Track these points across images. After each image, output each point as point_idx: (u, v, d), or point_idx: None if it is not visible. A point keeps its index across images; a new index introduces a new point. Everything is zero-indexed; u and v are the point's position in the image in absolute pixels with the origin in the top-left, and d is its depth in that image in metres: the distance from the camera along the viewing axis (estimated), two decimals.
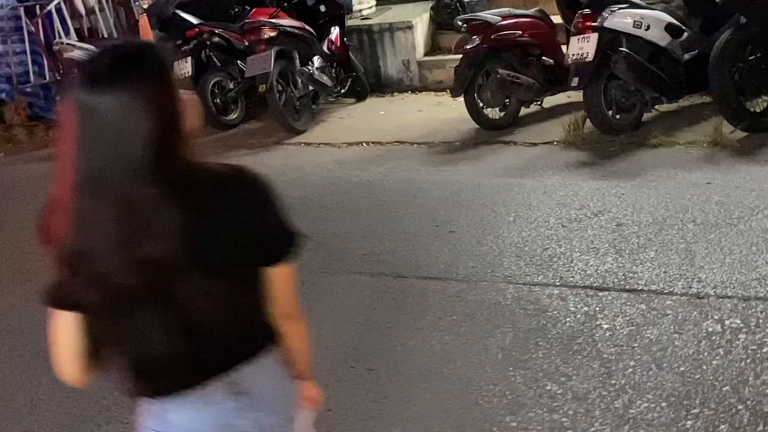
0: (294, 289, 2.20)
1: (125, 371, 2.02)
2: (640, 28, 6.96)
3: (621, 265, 5.12)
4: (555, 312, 4.72)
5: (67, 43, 9.46)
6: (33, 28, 9.74)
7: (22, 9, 9.75)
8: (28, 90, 9.81)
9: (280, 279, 2.13)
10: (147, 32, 9.01)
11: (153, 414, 2.12)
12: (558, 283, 5.02)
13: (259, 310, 2.13)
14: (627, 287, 4.87)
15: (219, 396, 2.05)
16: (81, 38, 9.82)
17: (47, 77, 9.82)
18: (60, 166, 1.87)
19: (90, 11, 10.35)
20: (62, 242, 1.89)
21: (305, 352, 2.30)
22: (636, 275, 4.98)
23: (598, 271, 5.09)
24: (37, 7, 9.83)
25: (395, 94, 9.31)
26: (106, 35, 10.16)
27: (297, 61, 8.48)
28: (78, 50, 9.44)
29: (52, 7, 9.79)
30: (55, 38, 9.65)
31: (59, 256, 1.90)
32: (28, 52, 9.78)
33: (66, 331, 2.00)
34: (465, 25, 7.76)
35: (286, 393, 2.21)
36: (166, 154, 1.88)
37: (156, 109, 1.89)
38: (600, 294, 4.84)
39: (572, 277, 5.07)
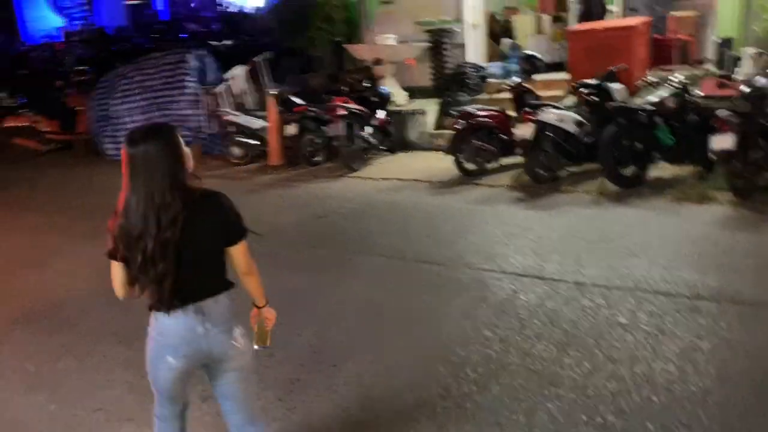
0: (247, 257, 2.46)
1: (149, 295, 2.34)
2: (560, 121, 6.85)
3: (536, 262, 5.03)
4: (494, 288, 4.65)
5: (226, 111, 9.51)
6: (208, 101, 9.79)
7: (201, 90, 9.78)
8: (202, 136, 9.85)
9: (237, 252, 2.43)
10: (272, 107, 9.01)
11: (154, 323, 2.40)
12: (497, 270, 4.94)
13: (221, 270, 2.44)
14: (538, 275, 4.78)
15: (190, 313, 2.35)
16: (235, 109, 9.83)
17: (213, 129, 9.84)
18: (124, 186, 2.27)
19: (242, 93, 10.41)
20: (119, 228, 2.27)
21: (259, 291, 2.57)
22: (545, 268, 4.88)
23: (522, 264, 5.00)
24: (210, 89, 9.86)
25: (414, 151, 9.19)
26: (249, 108, 10.18)
27: (357, 128, 8.44)
28: (231, 116, 9.49)
29: (219, 89, 9.85)
30: (219, 108, 9.70)
31: (117, 235, 2.28)
32: (203, 115, 9.82)
33: (117, 271, 2.35)
34: (457, 114, 7.70)
35: (227, 316, 2.43)
36: (175, 181, 2.24)
37: (168, 155, 2.25)
38: (522, 278, 4.75)
39: (506, 267, 4.99)
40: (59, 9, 24.97)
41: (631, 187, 6.49)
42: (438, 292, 4.63)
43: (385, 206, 6.89)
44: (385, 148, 8.94)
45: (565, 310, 4.14)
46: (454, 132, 7.64)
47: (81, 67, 14.37)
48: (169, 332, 2.36)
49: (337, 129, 8.27)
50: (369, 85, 9.01)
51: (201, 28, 21.92)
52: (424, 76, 10.17)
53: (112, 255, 2.33)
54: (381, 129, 8.84)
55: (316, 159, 8.82)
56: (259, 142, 9.25)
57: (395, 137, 9.12)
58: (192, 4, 27.19)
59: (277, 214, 6.91)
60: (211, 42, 15.51)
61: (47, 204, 8.15)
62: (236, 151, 9.35)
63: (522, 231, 5.71)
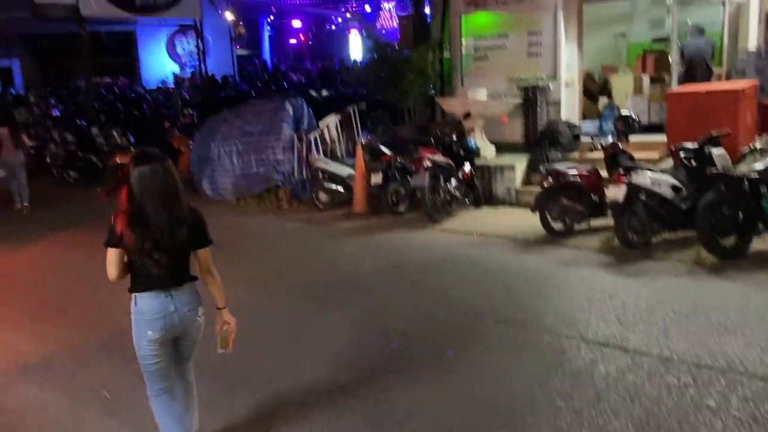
0: (209, 259, 3.23)
1: (133, 279, 3.12)
2: (655, 185, 6.57)
3: (620, 331, 4.76)
4: (571, 355, 4.43)
5: (317, 158, 9.82)
6: (300, 147, 10.13)
7: (295, 136, 10.16)
8: (293, 181, 10.17)
9: (202, 255, 3.22)
10: (360, 156, 9.22)
11: (134, 303, 3.15)
12: (577, 337, 4.71)
13: (188, 266, 3.20)
14: (621, 346, 4.51)
15: (162, 295, 3.11)
16: (326, 156, 10.15)
17: (304, 175, 10.15)
18: (123, 195, 3.01)
19: (333, 141, 10.74)
20: (121, 223, 2.97)
21: (219, 292, 3.30)
22: (628, 339, 4.61)
23: (604, 333, 4.74)
24: (304, 135, 10.22)
25: (499, 206, 9.07)
26: (339, 155, 10.47)
27: (442, 180, 8.46)
28: (321, 162, 9.80)
29: (312, 137, 10.20)
30: (310, 154, 10.02)
31: (129, 229, 2.96)
32: (296, 160, 10.15)
33: (114, 257, 3.05)
34: (546, 171, 7.57)
35: (193, 299, 3.21)
36: (174, 194, 3.04)
37: (168, 175, 3.04)
38: (602, 347, 4.50)
39: (587, 334, 4.74)
40: (175, 57, 27.02)
41: (731, 259, 6.07)
42: (512, 355, 4.47)
43: (466, 261, 6.80)
44: (470, 201, 8.90)
45: (647, 385, 3.87)
46: (542, 189, 7.49)
47: (188, 111, 15.39)
48: (148, 311, 3.11)
49: (422, 180, 8.32)
50: (457, 138, 9.05)
51: (302, 78, 23.00)
52: (514, 132, 10.12)
53: (113, 244, 3.04)
54: (467, 182, 8.82)
55: (399, 208, 8.89)
56: (345, 189, 9.46)
57: (481, 191, 9.06)
58: (296, 57, 28.66)
59: (355, 261, 6.98)
60: (309, 91, 16.21)
61: None
62: (323, 196, 9.59)
63: (607, 297, 5.45)
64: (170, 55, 27.03)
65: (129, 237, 2.97)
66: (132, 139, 13.36)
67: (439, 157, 8.53)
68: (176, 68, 26.62)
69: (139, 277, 3.10)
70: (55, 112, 18.22)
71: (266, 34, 28.57)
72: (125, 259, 3.07)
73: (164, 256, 3.03)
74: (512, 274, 6.28)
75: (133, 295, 3.14)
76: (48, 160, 13.21)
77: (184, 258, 3.18)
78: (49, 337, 5.23)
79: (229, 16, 25.52)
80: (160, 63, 26.74)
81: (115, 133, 13.32)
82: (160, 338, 3.12)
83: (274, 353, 4.74)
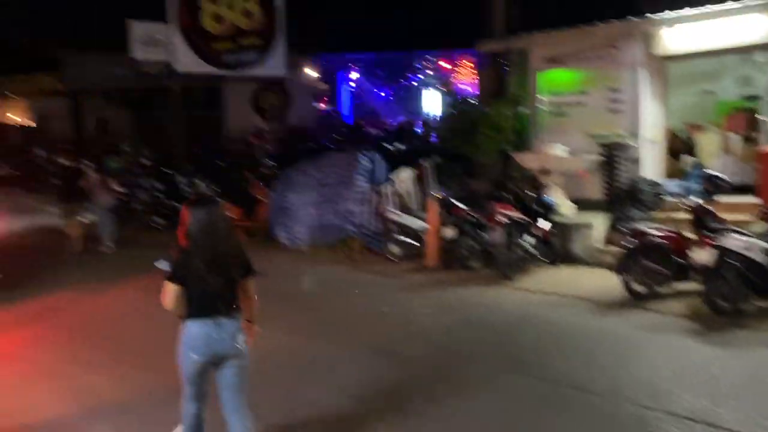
0: (252, 288, 3.67)
1: (186, 308, 3.48)
2: (746, 249, 6.21)
3: (709, 405, 4.44)
4: (654, 428, 4.14)
5: (390, 210, 9.89)
6: (374, 199, 10.24)
7: (370, 188, 10.28)
8: (366, 232, 10.24)
9: (247, 285, 3.65)
10: (433, 209, 9.21)
11: (185, 329, 3.52)
12: (661, 410, 4.42)
13: (234, 297, 3.58)
14: (710, 422, 4.20)
15: (210, 323, 3.47)
16: (399, 209, 10.19)
17: (377, 227, 10.19)
18: (180, 232, 3.50)
19: (406, 193, 10.80)
20: (188, 264, 3.43)
21: (254, 313, 3.73)
22: (720, 415, 4.29)
23: (692, 407, 4.43)
24: (378, 188, 10.33)
25: (577, 266, 8.78)
26: (412, 209, 10.50)
27: (517, 237, 8.30)
28: (395, 215, 9.84)
29: (385, 189, 10.30)
30: (383, 206, 10.10)
31: (182, 267, 3.45)
32: (369, 212, 10.24)
33: (172, 289, 3.46)
34: (628, 230, 7.31)
35: (237, 329, 3.57)
36: (225, 232, 3.51)
37: (219, 216, 3.56)
38: (690, 423, 4.21)
39: (673, 407, 4.45)
40: (259, 110, 28.23)
41: None
42: (589, 426, 4.22)
43: (541, 321, 6.57)
44: (546, 259, 8.67)
45: None
46: (623, 249, 7.23)
47: (269, 162, 15.94)
48: (194, 336, 3.49)
49: (496, 236, 8.20)
50: (534, 194, 8.91)
51: (379, 132, 23.47)
52: (593, 189, 9.87)
53: (172, 279, 3.46)
54: (543, 239, 8.62)
55: (472, 264, 8.76)
56: (417, 243, 9.43)
57: (558, 249, 8.82)
58: (374, 111, 29.38)
59: (425, 317, 6.88)
60: (385, 145, 16.49)
61: None
62: (395, 249, 9.60)
63: (694, 368, 5.10)
64: (254, 109, 28.28)
65: (180, 269, 3.46)
66: (215, 188, 13.89)
67: (515, 213, 8.41)
68: (259, 121, 27.78)
69: (190, 306, 3.49)
70: (146, 161, 19.31)
71: (346, 90, 29.49)
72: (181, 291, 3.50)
73: (214, 287, 3.45)
74: (591, 337, 6.01)
75: (184, 321, 3.54)
76: (136, 206, 13.91)
77: (232, 289, 3.56)
78: (127, 379, 5.37)
79: (311, 72, 26.57)
80: (244, 116, 27.98)
81: (199, 182, 13.91)
82: (203, 362, 3.52)
83: (340, 408, 4.68)
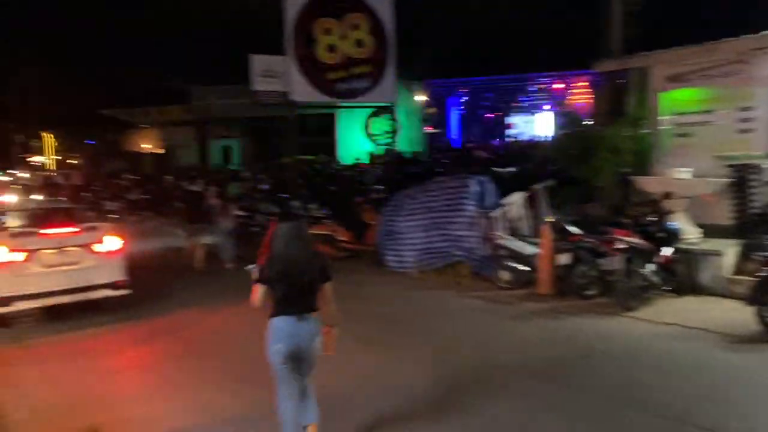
0: (330, 292, 4.23)
1: (273, 305, 4.11)
2: None
3: None
4: None
5: (500, 235, 9.71)
6: (483, 224, 10.10)
7: (479, 213, 10.16)
8: (474, 257, 10.11)
9: (326, 289, 4.21)
10: (547, 235, 8.94)
11: (270, 324, 4.13)
12: None
13: (314, 300, 4.18)
14: None
15: (295, 319, 4.08)
16: (510, 234, 10.00)
17: (486, 252, 10.03)
18: (266, 242, 4.19)
19: (518, 218, 10.57)
20: (274, 268, 4.10)
21: (331, 316, 4.27)
22: None
23: None
24: (488, 212, 10.18)
25: (704, 296, 8.17)
26: (523, 234, 10.26)
27: (637, 264, 7.86)
28: (505, 240, 9.66)
29: (496, 213, 10.14)
30: (493, 231, 9.93)
31: (269, 270, 4.09)
32: (478, 237, 10.11)
33: (260, 290, 4.13)
34: (764, 259, 6.72)
35: (315, 327, 4.16)
36: (305, 242, 4.15)
37: (301, 229, 4.24)
38: None
39: None
40: (370, 136, 28.96)
41: None
42: None
43: (663, 355, 6.16)
44: (669, 288, 8.14)
45: None
46: (757, 279, 6.64)
47: (378, 186, 16.23)
48: (279, 329, 4.09)
49: (615, 263, 7.82)
50: (655, 219, 8.43)
51: (488, 155, 23.27)
52: (722, 214, 9.17)
53: (261, 281, 4.11)
54: (666, 267, 8.10)
55: (588, 292, 8.38)
56: (529, 269, 9.18)
57: (682, 278, 8.26)
58: (483, 134, 29.17)
59: (537, 346, 6.65)
60: (494, 168, 16.30)
61: None
62: (505, 275, 9.40)
63: None
64: (366, 135, 29.04)
65: (266, 273, 4.11)
66: (327, 212, 14.31)
67: (635, 239, 7.98)
68: (370, 146, 28.46)
69: (276, 305, 4.12)
70: (264, 186, 20.29)
71: (455, 113, 29.56)
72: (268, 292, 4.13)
73: (295, 289, 4.10)
74: (720, 374, 5.55)
75: (270, 318, 4.15)
76: (255, 229, 14.60)
77: (312, 293, 4.19)
78: (244, 395, 5.59)
79: (420, 98, 26.91)
80: (356, 141, 28.82)
81: (313, 207, 14.41)
82: (286, 352, 4.09)
83: None
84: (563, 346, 6.64)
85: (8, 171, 35.73)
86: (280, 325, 4.08)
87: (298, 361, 4.11)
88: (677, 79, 10.28)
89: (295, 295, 4.08)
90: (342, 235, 12.41)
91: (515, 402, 5.20)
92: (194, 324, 8.10)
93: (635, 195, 10.47)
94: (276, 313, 4.10)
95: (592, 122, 11.66)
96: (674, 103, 10.39)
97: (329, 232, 12.44)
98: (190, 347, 7.12)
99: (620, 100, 11.77)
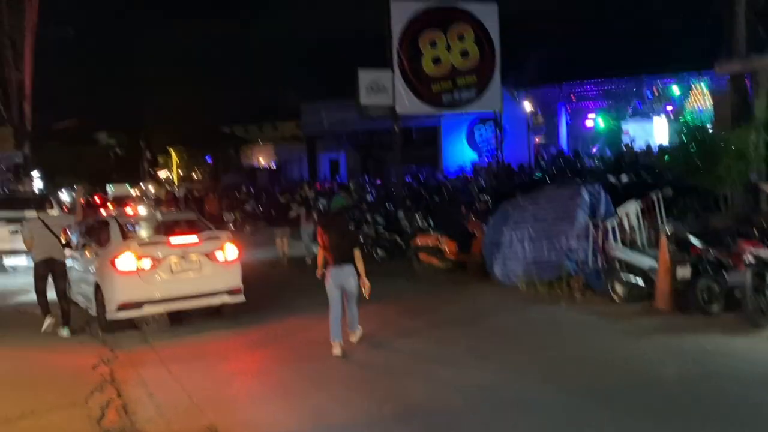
0: (359, 253, 7.22)
1: (330, 256, 7.11)
2: None
3: None
4: None
5: (614, 247, 9.26)
6: (596, 235, 9.70)
7: (591, 223, 9.78)
8: (586, 270, 9.72)
9: (357, 251, 7.24)
10: (665, 247, 8.41)
11: (327, 270, 7.15)
12: None
13: (351, 255, 7.16)
14: None
15: (338, 267, 7.10)
16: (625, 245, 9.51)
17: (599, 264, 9.62)
18: (319, 228, 7.45)
19: (633, 229, 10.04)
20: (328, 241, 7.17)
21: (361, 267, 7.18)
22: None
23: None
24: (600, 223, 9.77)
25: None
26: (639, 245, 9.73)
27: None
28: (619, 252, 9.21)
29: (609, 224, 9.69)
30: (607, 242, 9.50)
31: (325, 240, 7.18)
32: (590, 249, 9.73)
33: (321, 251, 7.33)
34: None
35: (351, 270, 7.14)
36: (344, 225, 7.69)
37: (342, 218, 8.32)
38: None
39: None
40: (474, 146, 28.71)
41: None
42: None
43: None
44: None
45: None
46: None
47: (483, 197, 16.04)
48: (332, 273, 7.06)
49: (743, 277, 7.24)
50: None
51: (599, 164, 22.36)
52: None
53: (323, 248, 7.19)
54: None
55: (711, 308, 7.81)
56: (645, 282, 8.70)
57: None
58: (593, 142, 28.10)
59: (654, 365, 6.27)
60: (607, 177, 15.63)
61: (429, 314, 8.98)
62: (620, 288, 8.96)
63: None
64: (469, 144, 28.83)
65: (323, 241, 7.17)
66: (432, 223, 14.33)
67: (766, 252, 7.36)
68: (474, 156, 28.21)
69: (330, 259, 7.11)
70: (370, 198, 20.66)
71: (563, 121, 28.69)
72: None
73: (339, 250, 7.10)
74: None
75: (328, 266, 7.16)
76: (362, 239, 14.89)
77: (349, 252, 7.16)
78: (354, 403, 5.68)
79: (527, 106, 26.38)
80: (460, 152, 28.68)
81: (417, 217, 14.49)
82: (335, 284, 7.09)
83: None
84: (685, 365, 6.21)
85: (139, 185, 38.68)
86: (333, 271, 7.10)
87: (340, 288, 7.11)
88: None
89: (340, 254, 7.09)
90: (447, 246, 12.34)
91: (627, 423, 4.92)
92: (303, 330, 8.35)
93: (765, 204, 9.69)
94: (330, 264, 7.12)
95: (713, 127, 10.90)
96: None
97: (435, 243, 12.43)
98: (301, 353, 7.34)
99: (745, 104, 10.95)
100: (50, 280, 8.63)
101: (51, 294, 8.64)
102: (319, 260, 7.26)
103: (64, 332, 8.45)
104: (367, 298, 7.13)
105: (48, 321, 8.52)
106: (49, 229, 8.59)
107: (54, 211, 9.18)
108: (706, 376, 5.88)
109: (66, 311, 8.60)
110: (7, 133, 22.22)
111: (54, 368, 7.12)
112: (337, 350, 6.99)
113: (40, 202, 9.22)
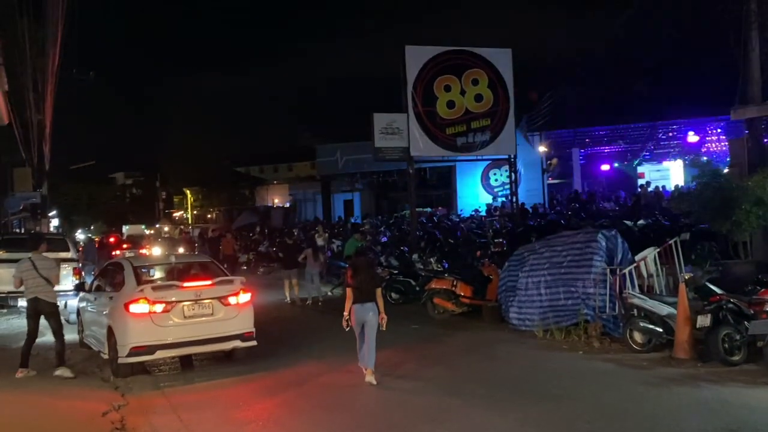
0: (380, 291, 8.00)
1: (352, 299, 7.83)
2: None
3: None
4: None
5: (631, 294, 9.16)
6: (613, 282, 9.60)
7: (608, 269, 9.67)
8: (604, 317, 9.60)
9: (378, 290, 8.00)
10: (684, 294, 8.31)
11: (350, 307, 7.84)
12: None
13: (374, 294, 7.88)
14: None
15: (360, 304, 7.80)
16: (643, 292, 9.40)
17: (616, 311, 9.51)
18: (349, 270, 8.07)
19: (650, 275, 9.95)
20: (354, 281, 7.85)
21: (381, 304, 7.87)
22: None
23: None
24: (618, 269, 9.67)
25: None
26: (657, 292, 9.61)
27: None
28: (637, 299, 9.09)
29: (626, 270, 9.61)
30: (624, 289, 9.40)
31: (352, 281, 7.86)
32: (608, 295, 9.62)
33: (348, 290, 7.90)
34: None
35: (373, 308, 7.81)
36: (369, 270, 8.27)
37: (367, 259, 8.97)
38: None
39: None
40: (488, 188, 28.75)
41: None
42: None
43: None
44: None
45: None
46: None
47: (498, 239, 15.97)
48: (355, 310, 7.81)
49: (764, 326, 7.11)
50: None
51: (615, 207, 22.27)
52: None
53: (349, 286, 7.88)
54: None
55: (733, 358, 7.66)
56: (664, 330, 8.56)
57: None
58: (609, 185, 28.05)
59: (675, 418, 6.11)
60: (623, 221, 15.56)
61: (443, 361, 8.89)
62: (638, 336, 8.82)
63: None
64: (484, 186, 28.87)
65: (349, 282, 7.83)
66: (446, 266, 14.25)
67: None
68: (489, 198, 28.21)
69: (355, 298, 7.79)
70: (383, 239, 20.64)
71: (578, 164, 28.71)
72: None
73: (363, 290, 7.77)
74: None
75: (351, 304, 7.80)
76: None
77: (372, 291, 7.83)
78: None
79: (542, 149, 26.47)
80: (474, 193, 28.72)
81: (432, 261, 14.42)
82: (359, 321, 7.79)
83: None
84: (705, 417, 6.06)
85: (154, 225, 39.04)
86: (356, 308, 7.79)
87: (362, 325, 7.78)
88: None
89: (363, 293, 7.79)
90: (462, 290, 12.25)
91: None
92: (314, 376, 8.25)
93: None
94: (354, 302, 7.80)
95: (729, 172, 10.86)
96: None
97: (449, 287, 12.33)
98: (313, 401, 7.24)
99: (761, 148, 10.93)
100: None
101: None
102: (346, 311, 7.80)
103: (59, 372, 8.54)
104: (384, 329, 7.83)
105: (59, 371, 8.59)
106: (37, 270, 8.67)
107: (48, 253, 9.32)
108: (730, 429, 5.72)
109: (60, 352, 8.74)
110: (26, 173, 22.59)
111: (63, 415, 7.05)
112: (369, 377, 7.72)
113: (35, 242, 9.35)
